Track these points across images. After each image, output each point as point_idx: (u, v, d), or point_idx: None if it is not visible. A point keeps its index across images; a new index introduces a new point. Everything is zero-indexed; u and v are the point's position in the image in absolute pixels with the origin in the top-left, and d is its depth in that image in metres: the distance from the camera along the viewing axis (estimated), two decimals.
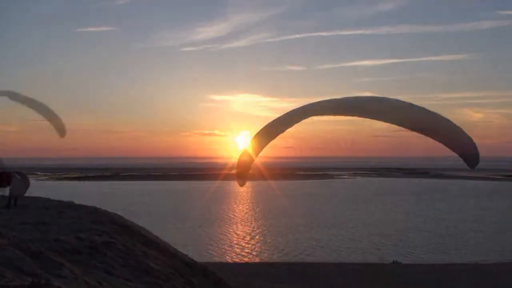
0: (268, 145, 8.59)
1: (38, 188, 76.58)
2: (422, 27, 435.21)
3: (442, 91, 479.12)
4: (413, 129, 7.45)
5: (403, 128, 7.47)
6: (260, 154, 8.77)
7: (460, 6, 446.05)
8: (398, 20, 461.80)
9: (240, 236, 36.73)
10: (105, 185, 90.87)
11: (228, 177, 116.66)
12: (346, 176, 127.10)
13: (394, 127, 7.45)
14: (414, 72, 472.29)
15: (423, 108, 7.67)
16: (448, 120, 7.58)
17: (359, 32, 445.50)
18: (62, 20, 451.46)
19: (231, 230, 39.46)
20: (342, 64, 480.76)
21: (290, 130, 8.40)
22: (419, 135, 7.41)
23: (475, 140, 7.49)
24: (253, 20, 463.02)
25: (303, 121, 8.35)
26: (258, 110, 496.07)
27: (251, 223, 43.56)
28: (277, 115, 8.71)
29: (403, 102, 7.90)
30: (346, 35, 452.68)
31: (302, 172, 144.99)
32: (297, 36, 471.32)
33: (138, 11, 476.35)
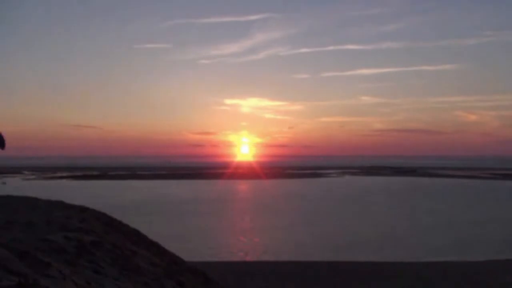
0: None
1: (26, 187, 75.86)
2: (418, 42, 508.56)
3: (435, 96, 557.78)
4: None
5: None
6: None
7: (450, 26, 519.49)
8: (397, 37, 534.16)
9: (229, 235, 36.73)
10: (95, 184, 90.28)
11: (221, 176, 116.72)
12: (334, 175, 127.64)
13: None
14: (409, 79, 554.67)
15: None
16: None
17: (361, 47, 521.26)
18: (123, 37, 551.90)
19: (219, 228, 39.43)
20: (344, 73, 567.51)
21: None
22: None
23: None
24: (272, 38, 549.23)
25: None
26: (266, 112, 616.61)
27: (239, 221, 43.60)
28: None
29: None
30: (349, 50, 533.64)
31: (291, 171, 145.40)
32: (306, 50, 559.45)
33: (182, 31, 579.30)
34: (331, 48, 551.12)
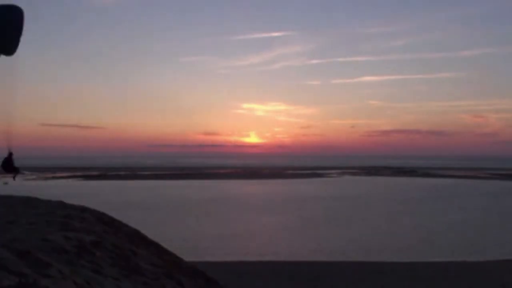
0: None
1: (26, 187, 75.80)
2: (422, 54, 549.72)
3: (437, 100, 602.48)
4: None
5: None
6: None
7: (448, 40, 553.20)
8: (402, 50, 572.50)
9: (229, 234, 36.72)
10: (95, 184, 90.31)
11: (220, 177, 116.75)
12: (334, 175, 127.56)
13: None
14: (412, 86, 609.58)
15: None
16: None
17: (370, 58, 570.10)
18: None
19: (219, 228, 39.43)
20: (351, 80, 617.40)
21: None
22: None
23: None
24: (291, 52, 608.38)
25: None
26: (281, 115, 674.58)
27: (238, 221, 43.60)
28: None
29: None
30: (358, 61, 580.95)
31: (291, 171, 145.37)
32: (317, 61, 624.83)
33: (216, 45, 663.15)
34: (341, 59, 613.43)
